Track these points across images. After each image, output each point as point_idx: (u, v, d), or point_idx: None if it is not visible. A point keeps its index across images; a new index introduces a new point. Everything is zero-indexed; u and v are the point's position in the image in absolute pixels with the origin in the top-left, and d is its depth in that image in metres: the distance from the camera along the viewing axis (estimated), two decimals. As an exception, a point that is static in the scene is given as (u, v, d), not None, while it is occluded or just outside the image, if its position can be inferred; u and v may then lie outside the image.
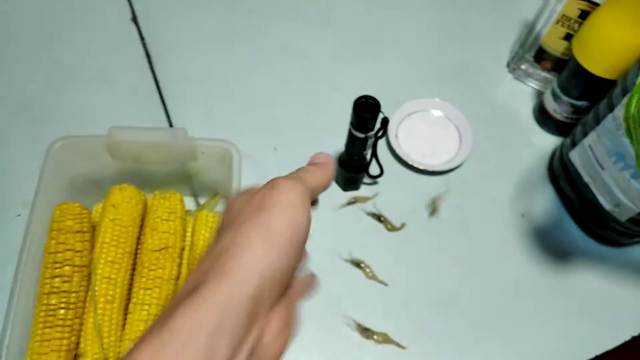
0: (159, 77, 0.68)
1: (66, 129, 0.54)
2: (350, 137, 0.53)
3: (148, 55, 0.69)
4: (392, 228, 0.60)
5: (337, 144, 0.58)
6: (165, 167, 0.53)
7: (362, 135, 0.51)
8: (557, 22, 0.62)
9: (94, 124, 0.54)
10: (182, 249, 0.50)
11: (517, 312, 0.56)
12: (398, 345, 0.53)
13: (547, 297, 0.58)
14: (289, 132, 0.65)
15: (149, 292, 0.46)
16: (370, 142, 0.53)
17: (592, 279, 0.58)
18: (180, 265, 0.50)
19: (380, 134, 0.52)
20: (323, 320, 0.54)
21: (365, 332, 0.54)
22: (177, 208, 0.51)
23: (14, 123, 0.63)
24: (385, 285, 0.57)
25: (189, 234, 0.52)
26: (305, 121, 0.67)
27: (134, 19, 0.72)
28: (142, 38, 0.70)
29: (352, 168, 0.58)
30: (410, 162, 0.62)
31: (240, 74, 0.70)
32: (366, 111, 0.48)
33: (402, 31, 0.75)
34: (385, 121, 0.51)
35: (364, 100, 0.48)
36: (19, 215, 0.57)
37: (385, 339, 0.53)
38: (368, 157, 0.57)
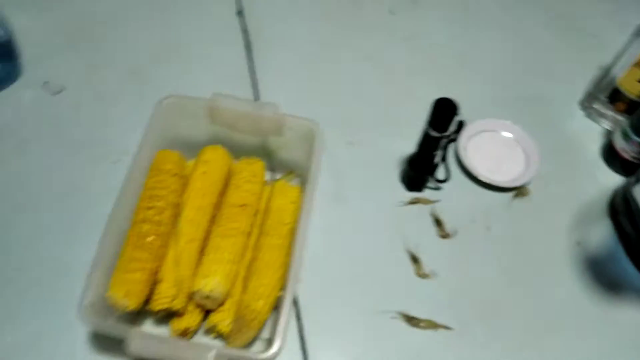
0: (255, 67, 0.75)
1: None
2: (425, 136, 0.57)
3: (248, 47, 0.77)
4: (444, 235, 0.63)
5: (405, 147, 0.63)
6: (253, 138, 0.59)
7: (437, 135, 0.55)
8: (635, 65, 0.65)
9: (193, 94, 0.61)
10: (257, 210, 0.56)
11: (559, 332, 0.57)
12: (445, 327, 0.56)
13: (592, 325, 0.58)
14: (363, 130, 0.70)
15: (225, 239, 0.51)
16: (443, 143, 0.57)
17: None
18: (252, 224, 0.55)
19: (454, 136, 0.56)
20: (369, 308, 0.57)
21: (411, 320, 0.56)
22: (259, 173, 0.57)
23: (122, 86, 0.72)
24: (432, 280, 0.59)
25: (263, 199, 0.57)
26: (379, 123, 0.71)
27: (240, 13, 0.80)
28: (244, 31, 0.78)
29: (421, 168, 0.62)
30: (475, 174, 0.66)
31: (327, 73, 0.76)
32: (445, 109, 0.52)
33: (486, 56, 0.80)
34: (461, 124, 0.55)
35: (444, 100, 0.53)
36: (116, 161, 0.64)
37: (431, 325, 0.56)
38: (437, 160, 0.61)
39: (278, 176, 0.64)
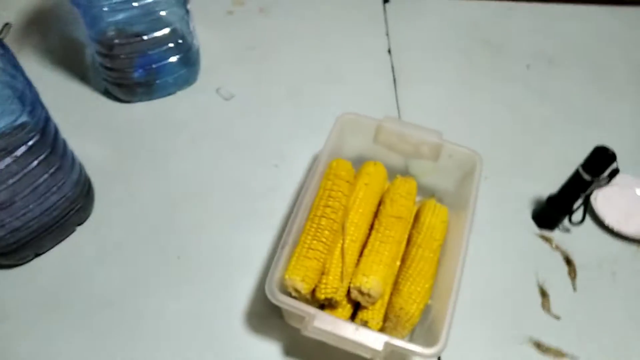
0: (399, 100, 0.82)
1: (324, 114, 0.70)
2: (575, 178, 0.60)
3: (394, 81, 0.84)
4: (573, 275, 0.65)
5: (536, 188, 0.69)
6: (408, 158, 0.65)
7: (588, 179, 0.59)
8: None
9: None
10: (409, 223, 0.61)
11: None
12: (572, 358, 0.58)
13: None
14: (498, 168, 0.74)
15: (383, 245, 0.56)
16: (591, 189, 0.60)
17: None
18: (404, 235, 0.60)
19: (604, 182, 0.59)
20: (499, 333, 0.60)
21: (540, 347, 0.59)
22: (412, 191, 0.62)
23: (283, 100, 0.80)
24: (557, 319, 0.62)
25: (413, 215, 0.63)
26: (513, 164, 0.76)
27: (389, 51, 0.88)
28: (392, 67, 0.86)
29: (560, 207, 0.65)
30: (606, 223, 0.68)
31: (465, 112, 0.81)
32: (604, 158, 0.56)
33: (618, 119, 0.83)
34: (614, 172, 0.58)
35: (603, 148, 0.57)
36: (276, 165, 0.72)
37: (559, 354, 0.58)
38: (577, 204, 0.64)
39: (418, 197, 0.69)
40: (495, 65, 0.89)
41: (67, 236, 0.63)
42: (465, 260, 0.53)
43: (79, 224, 0.64)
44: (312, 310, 0.48)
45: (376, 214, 0.61)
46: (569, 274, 0.66)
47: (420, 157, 0.64)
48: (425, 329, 0.54)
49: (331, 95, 0.81)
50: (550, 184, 0.68)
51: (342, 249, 0.55)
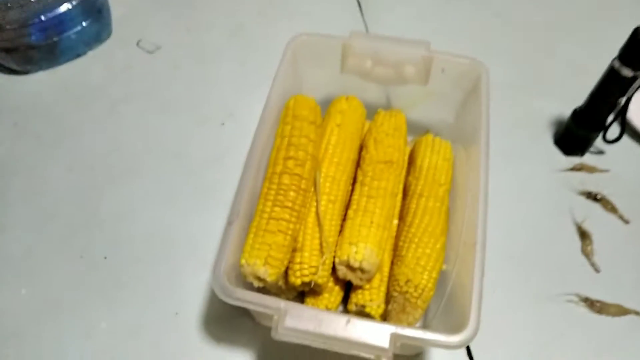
0: (367, 23, 0.66)
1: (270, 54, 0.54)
2: (609, 76, 0.46)
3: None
4: (611, 208, 0.51)
5: (557, 108, 0.56)
6: (389, 86, 0.50)
7: (629, 74, 0.44)
8: None
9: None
10: (402, 168, 0.46)
11: None
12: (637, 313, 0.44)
13: None
14: (507, 88, 0.59)
15: (372, 200, 0.41)
16: (633, 89, 0.46)
17: None
18: (399, 184, 0.45)
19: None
20: (538, 292, 0.46)
21: (594, 305, 0.45)
22: (401, 126, 0.47)
23: (224, 45, 0.64)
24: (597, 272, 0.48)
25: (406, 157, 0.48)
26: (523, 83, 0.61)
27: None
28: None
29: (590, 123, 0.50)
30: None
31: (446, 28, 0.66)
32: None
33: None
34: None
35: (647, 28, 0.42)
36: (222, 124, 0.56)
37: (620, 310, 0.44)
38: (610, 116, 0.49)
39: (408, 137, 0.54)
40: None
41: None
42: (487, 206, 0.38)
43: (-33, 235, 0.48)
44: (281, 304, 0.33)
45: (358, 163, 0.46)
46: (607, 205, 0.51)
47: (404, 83, 0.49)
48: (443, 306, 0.39)
49: (282, 29, 0.64)
50: (570, 99, 0.54)
51: (318, 213, 0.40)
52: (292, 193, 0.39)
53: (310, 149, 0.41)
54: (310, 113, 0.43)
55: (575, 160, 0.54)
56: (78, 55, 0.62)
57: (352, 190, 0.44)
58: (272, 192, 0.39)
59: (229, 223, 0.36)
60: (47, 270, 0.46)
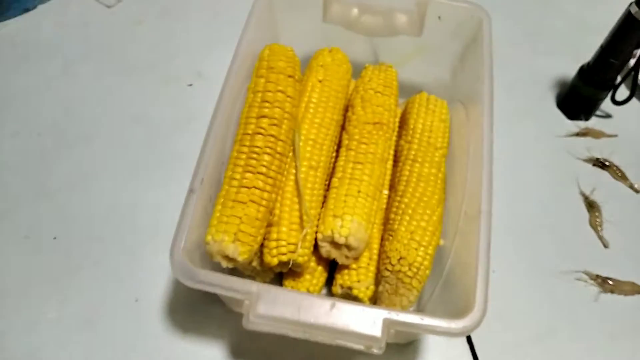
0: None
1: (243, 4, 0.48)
2: (625, 25, 0.40)
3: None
4: (621, 176, 0.47)
5: (560, 66, 0.51)
6: (379, 38, 0.44)
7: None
8: None
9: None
10: (393, 131, 0.40)
11: None
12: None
13: None
14: (504, 45, 0.54)
15: (359, 166, 0.36)
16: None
17: None
18: (389, 148, 0.40)
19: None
20: (544, 267, 0.42)
21: (605, 283, 0.40)
22: (392, 83, 0.41)
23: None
24: (606, 247, 0.43)
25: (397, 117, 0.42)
26: (521, 36, 0.55)
27: None
28: None
29: (598, 81, 0.45)
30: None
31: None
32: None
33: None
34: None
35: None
36: (190, 85, 0.50)
37: (635, 288, 0.40)
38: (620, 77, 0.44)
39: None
40: None
41: None
42: (492, 171, 0.33)
43: None
44: (253, 286, 0.27)
45: (343, 125, 0.40)
46: (616, 173, 0.47)
47: (394, 34, 0.43)
48: (441, 287, 0.34)
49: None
50: (574, 57, 0.49)
51: (297, 180, 0.35)
52: (266, 157, 0.33)
53: (288, 106, 0.35)
54: (287, 65, 0.37)
55: (580, 124, 0.49)
56: (26, 10, 0.55)
57: (337, 155, 0.38)
58: (243, 155, 0.33)
59: (191, 191, 0.31)
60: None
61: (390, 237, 0.35)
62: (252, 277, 0.36)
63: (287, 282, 0.36)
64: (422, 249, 0.33)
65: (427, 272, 0.34)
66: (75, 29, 0.54)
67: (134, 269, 0.40)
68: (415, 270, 0.33)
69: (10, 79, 0.50)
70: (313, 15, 0.43)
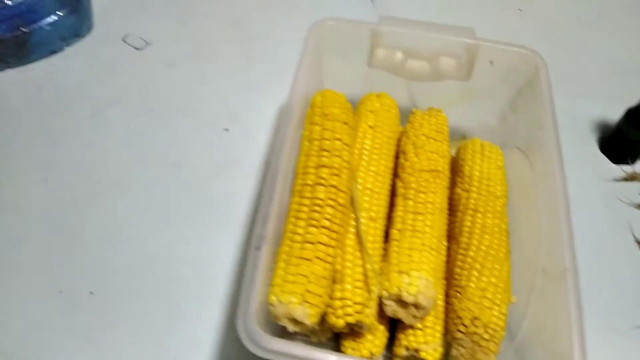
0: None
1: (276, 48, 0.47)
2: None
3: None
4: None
5: (602, 110, 0.50)
6: (423, 82, 0.43)
7: None
8: None
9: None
10: (448, 178, 0.39)
11: None
12: None
13: None
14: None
15: (420, 217, 0.34)
16: None
17: None
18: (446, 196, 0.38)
19: None
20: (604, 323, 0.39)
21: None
22: (443, 128, 0.40)
23: (222, 40, 0.56)
24: None
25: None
26: (559, 77, 0.55)
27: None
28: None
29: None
30: None
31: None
32: None
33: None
34: None
35: None
36: (226, 129, 0.48)
37: None
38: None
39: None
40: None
41: None
42: (572, 224, 0.31)
43: None
44: (332, 357, 0.25)
45: (395, 172, 0.38)
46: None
47: (441, 78, 0.42)
48: (516, 349, 0.32)
49: (283, 26, 0.58)
50: (611, 99, 0.48)
51: (358, 233, 0.33)
52: (329, 209, 0.31)
53: (346, 155, 0.34)
54: (342, 111, 0.36)
55: (626, 168, 0.48)
56: (53, 52, 0.54)
57: (395, 205, 0.36)
58: (305, 208, 0.31)
59: (256, 248, 0.29)
60: (17, 308, 0.37)
61: (459, 295, 0.32)
62: (306, 336, 0.34)
63: (347, 343, 0.33)
64: (496, 307, 0.31)
65: (503, 333, 0.31)
66: (104, 71, 0.52)
67: (174, 327, 0.37)
68: (491, 332, 0.31)
69: (37, 124, 0.48)
70: (357, 60, 0.43)
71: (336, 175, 0.32)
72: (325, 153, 0.33)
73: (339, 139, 0.34)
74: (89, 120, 0.48)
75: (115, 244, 0.41)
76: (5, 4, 0.49)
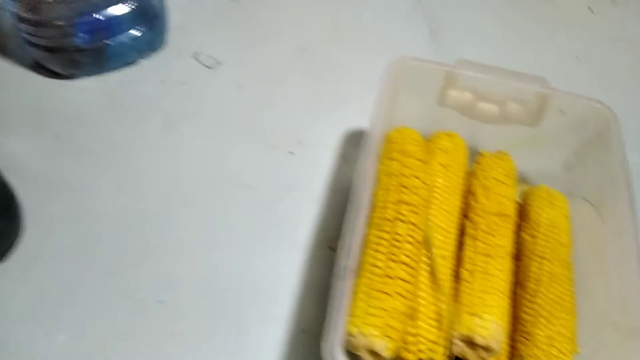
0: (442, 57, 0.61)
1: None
2: None
3: (432, 33, 0.63)
4: None
5: None
6: (491, 125, 0.44)
7: None
8: None
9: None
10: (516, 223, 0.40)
11: None
12: None
13: None
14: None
15: (490, 260, 0.35)
16: None
17: None
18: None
19: None
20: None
21: None
22: (512, 172, 0.41)
23: (289, 64, 0.58)
24: None
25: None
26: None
27: (420, -6, 0.67)
28: (426, 17, 0.65)
29: None
30: None
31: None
32: None
33: None
34: None
35: None
36: (291, 152, 0.50)
37: None
38: None
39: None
40: (553, 10, 0.69)
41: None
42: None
43: (-5, 260, 0.40)
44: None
45: (464, 212, 0.39)
46: None
47: (508, 122, 0.43)
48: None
49: (349, 55, 0.59)
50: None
51: (432, 271, 0.34)
52: (408, 245, 0.32)
53: (423, 193, 0.35)
54: (418, 149, 0.37)
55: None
56: (128, 64, 0.56)
57: (464, 244, 0.37)
58: (384, 242, 0.32)
59: (342, 277, 0.30)
60: (91, 311, 0.38)
61: (526, 341, 0.33)
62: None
63: (410, 377, 0.34)
64: (562, 357, 0.32)
65: (569, 383, 0.32)
66: (175, 86, 0.55)
67: (237, 339, 0.38)
68: (559, 382, 0.32)
69: (113, 132, 0.50)
70: (427, 98, 0.44)
71: (415, 212, 0.33)
72: (404, 190, 0.34)
73: (416, 177, 0.35)
74: (161, 132, 0.50)
75: (183, 256, 0.42)
76: (93, 17, 0.51)
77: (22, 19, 0.49)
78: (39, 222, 0.42)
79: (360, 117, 0.52)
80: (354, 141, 0.51)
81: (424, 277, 0.34)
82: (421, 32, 0.63)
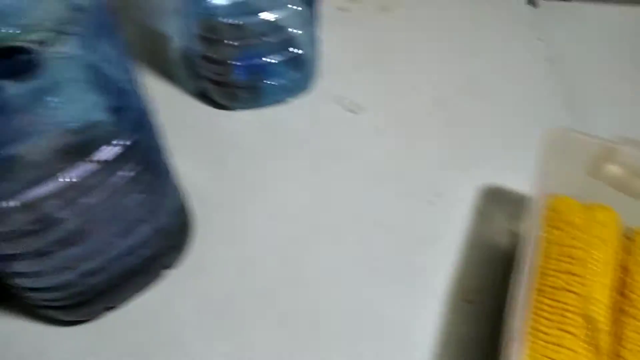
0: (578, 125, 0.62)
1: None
2: None
3: (570, 104, 0.64)
4: None
5: None
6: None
7: None
8: None
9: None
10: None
11: None
12: None
13: None
14: None
15: (648, 340, 0.35)
16: None
17: None
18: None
19: None
20: None
21: None
22: (668, 254, 0.41)
23: (426, 116, 0.61)
24: None
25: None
26: None
27: (549, 60, 0.68)
28: (560, 82, 0.66)
29: None
30: None
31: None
32: None
33: None
34: None
35: None
36: (430, 202, 0.52)
37: None
38: None
39: None
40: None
41: (152, 284, 0.44)
42: None
43: (168, 268, 0.45)
44: None
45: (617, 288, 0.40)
46: None
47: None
48: None
49: (484, 112, 0.61)
50: None
51: (597, 347, 0.34)
52: (573, 316, 0.33)
53: (589, 266, 0.36)
54: (581, 221, 0.38)
55: None
56: (278, 101, 0.61)
57: (623, 322, 0.38)
58: (548, 308, 0.34)
59: (511, 341, 0.31)
60: (244, 336, 0.42)
61: None
62: None
63: None
64: None
65: None
66: (321, 127, 0.59)
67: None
68: None
69: (266, 161, 0.55)
70: (577, 168, 0.45)
71: (581, 284, 0.34)
72: (571, 260, 0.35)
73: (582, 249, 0.36)
74: (309, 168, 0.54)
75: (330, 286, 0.45)
76: (248, 62, 0.57)
77: (203, 57, 0.56)
78: (206, 240, 0.47)
79: (495, 174, 0.54)
80: (490, 198, 0.53)
81: (582, 349, 0.34)
82: (554, 93, 0.64)
